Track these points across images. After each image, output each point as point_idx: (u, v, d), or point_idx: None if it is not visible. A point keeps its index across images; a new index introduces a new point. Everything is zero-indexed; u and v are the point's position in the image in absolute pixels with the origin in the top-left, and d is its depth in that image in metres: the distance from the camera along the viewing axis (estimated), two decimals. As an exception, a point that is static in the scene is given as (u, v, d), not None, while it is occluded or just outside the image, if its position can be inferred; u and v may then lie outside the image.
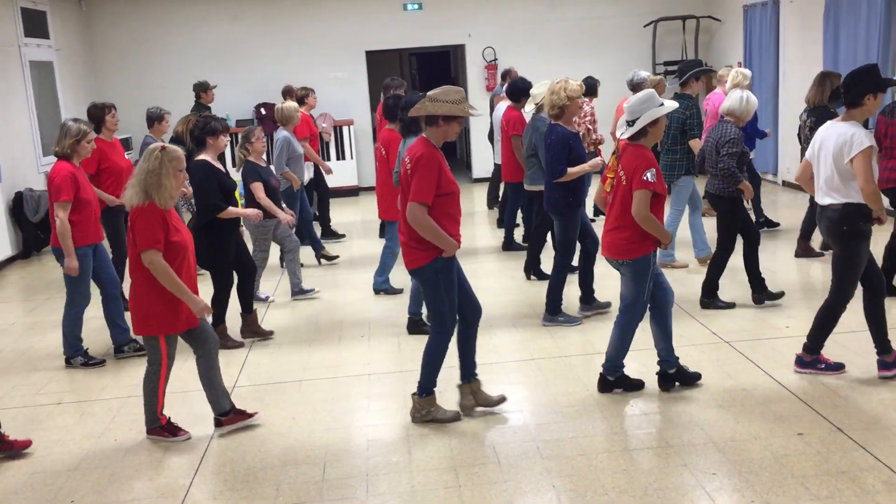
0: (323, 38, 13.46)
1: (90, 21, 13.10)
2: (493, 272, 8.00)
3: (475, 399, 4.76)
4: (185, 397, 5.17)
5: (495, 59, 13.57)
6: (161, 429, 4.70)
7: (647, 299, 4.81)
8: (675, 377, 4.95)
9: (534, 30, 13.68)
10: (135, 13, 13.14)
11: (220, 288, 6.15)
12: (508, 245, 8.75)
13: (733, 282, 6.80)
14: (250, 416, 4.77)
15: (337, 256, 8.84)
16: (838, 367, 5.01)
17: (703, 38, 13.74)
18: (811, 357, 5.02)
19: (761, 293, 6.39)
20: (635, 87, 8.54)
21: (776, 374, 5.06)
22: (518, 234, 9.02)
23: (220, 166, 6.10)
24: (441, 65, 17.20)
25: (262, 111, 12.77)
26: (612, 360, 4.93)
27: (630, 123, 4.71)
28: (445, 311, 4.54)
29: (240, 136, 7.04)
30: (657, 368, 4.98)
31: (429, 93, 4.55)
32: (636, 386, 4.97)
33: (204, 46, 13.30)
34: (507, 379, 5.24)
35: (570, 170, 6.00)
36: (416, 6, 13.52)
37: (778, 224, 8.98)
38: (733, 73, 7.95)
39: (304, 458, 4.35)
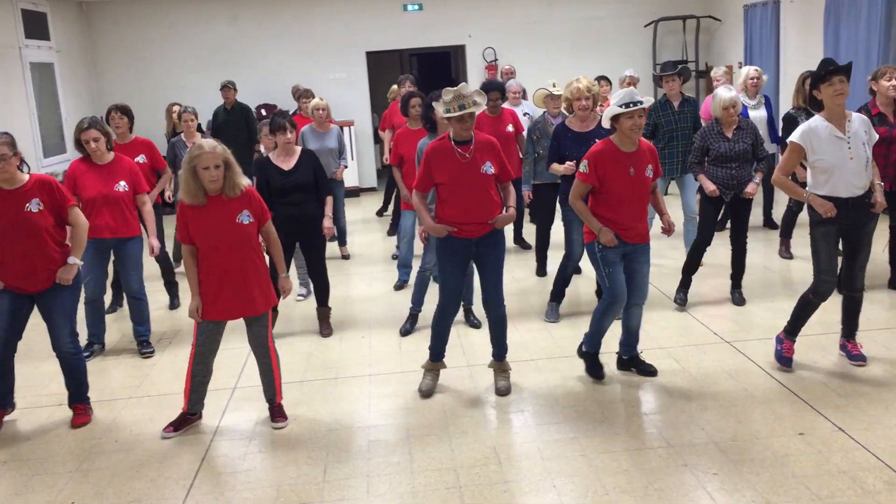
0: (323, 38, 13.46)
1: (91, 22, 13.12)
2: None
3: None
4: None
5: (496, 60, 13.57)
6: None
7: None
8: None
9: (534, 30, 13.68)
10: (135, 14, 13.16)
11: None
12: None
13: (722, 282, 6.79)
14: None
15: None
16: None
17: (704, 37, 13.75)
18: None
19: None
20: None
21: (777, 374, 5.06)
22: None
23: (280, 163, 6.11)
24: (442, 65, 17.18)
25: (263, 112, 12.77)
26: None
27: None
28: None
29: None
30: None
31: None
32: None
33: (204, 47, 13.31)
34: (508, 379, 5.24)
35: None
36: (416, 7, 13.53)
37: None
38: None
39: (306, 460, 4.35)
